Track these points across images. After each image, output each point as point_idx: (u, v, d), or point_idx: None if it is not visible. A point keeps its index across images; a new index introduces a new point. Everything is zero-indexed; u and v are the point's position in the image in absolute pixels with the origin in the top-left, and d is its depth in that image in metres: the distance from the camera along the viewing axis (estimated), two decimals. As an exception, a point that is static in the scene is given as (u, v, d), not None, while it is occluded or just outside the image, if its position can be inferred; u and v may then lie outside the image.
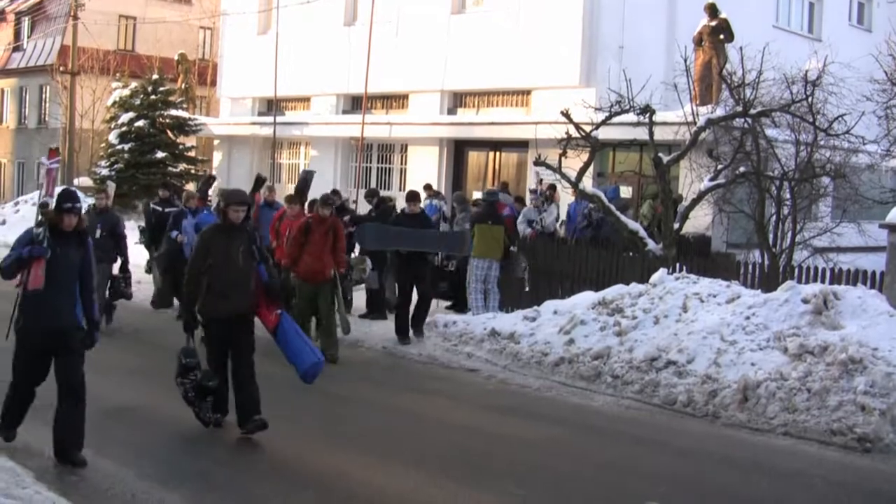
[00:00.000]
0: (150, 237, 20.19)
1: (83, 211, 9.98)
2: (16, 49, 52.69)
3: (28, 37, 52.05)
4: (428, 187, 26.93)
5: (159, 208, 20.06)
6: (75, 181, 39.04)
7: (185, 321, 10.66)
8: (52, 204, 15.04)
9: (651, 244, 18.45)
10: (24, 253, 8.92)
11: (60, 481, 8.40)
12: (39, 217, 9.98)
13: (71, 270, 9.16)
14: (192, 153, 39.40)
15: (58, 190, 11.39)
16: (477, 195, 25.97)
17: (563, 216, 22.59)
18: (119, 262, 16.94)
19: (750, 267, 17.19)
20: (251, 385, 10.30)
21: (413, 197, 17.66)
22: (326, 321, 14.83)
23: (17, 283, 9.18)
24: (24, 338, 9.18)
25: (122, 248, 16.84)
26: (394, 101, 33.93)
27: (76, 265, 9.20)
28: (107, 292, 16.54)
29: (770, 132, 20.23)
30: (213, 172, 40.49)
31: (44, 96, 50.42)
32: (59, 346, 9.12)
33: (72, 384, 9.14)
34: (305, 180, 19.68)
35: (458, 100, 32.25)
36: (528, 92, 29.56)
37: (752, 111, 18.85)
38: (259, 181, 19.98)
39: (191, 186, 36.27)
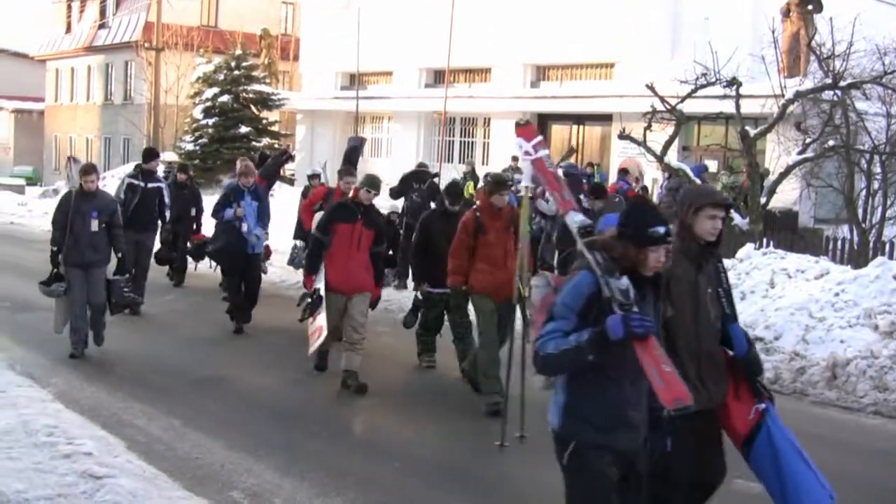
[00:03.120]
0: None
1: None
2: (101, 26, 53.37)
3: (113, 14, 52.68)
4: (515, 159, 26.91)
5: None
6: (160, 156, 39.46)
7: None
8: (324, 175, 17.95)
9: (737, 219, 18.22)
10: None
11: (150, 450, 8.50)
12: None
13: None
14: (275, 128, 39.65)
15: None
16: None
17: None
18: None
19: (839, 242, 16.92)
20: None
21: (596, 191, 14.96)
22: (489, 349, 10.40)
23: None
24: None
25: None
26: (476, 74, 33.90)
27: None
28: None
29: (860, 105, 19.83)
30: (294, 150, 40.74)
31: (129, 73, 51.07)
32: None
33: None
34: (355, 149, 16.26)
35: (541, 72, 32.12)
36: (611, 65, 29.35)
37: (842, 83, 18.51)
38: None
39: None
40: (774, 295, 13.88)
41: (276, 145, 37.99)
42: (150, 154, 16.05)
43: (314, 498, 7.61)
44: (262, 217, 14.11)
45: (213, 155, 36.42)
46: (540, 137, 8.45)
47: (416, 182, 18.62)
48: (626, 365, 5.05)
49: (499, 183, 10.67)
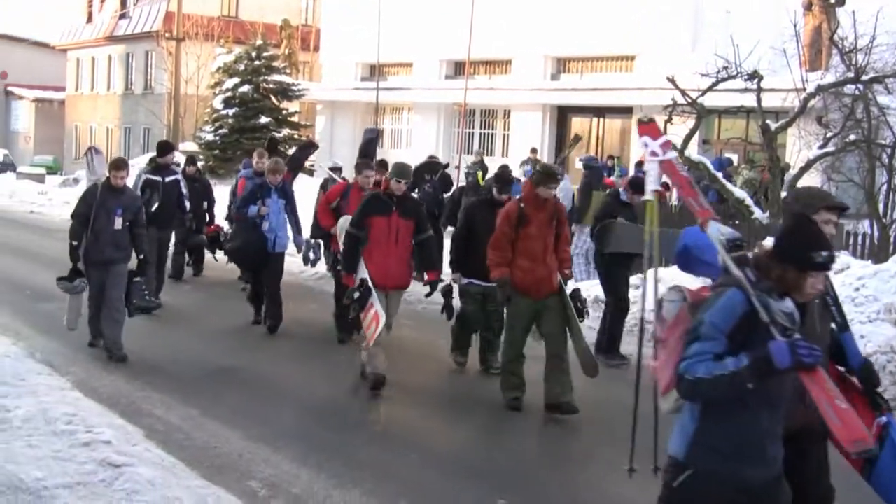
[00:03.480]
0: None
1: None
2: (122, 16, 53.56)
3: (134, 4, 52.82)
4: (533, 151, 26.93)
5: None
6: (180, 146, 39.60)
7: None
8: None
9: (757, 212, 18.15)
10: None
11: (168, 439, 8.54)
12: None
13: None
14: (295, 118, 39.69)
15: None
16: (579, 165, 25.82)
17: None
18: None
19: (859, 237, 16.82)
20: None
21: (636, 185, 12.58)
22: (556, 351, 9.87)
23: None
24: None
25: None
26: (497, 66, 33.88)
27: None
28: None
29: (882, 99, 19.69)
30: (316, 139, 40.75)
31: (149, 62, 51.20)
32: None
33: None
34: (371, 141, 15.55)
35: (561, 65, 32.08)
36: (632, 57, 29.30)
37: (864, 77, 18.38)
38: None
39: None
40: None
41: (296, 136, 38.06)
42: (166, 147, 15.42)
43: (331, 489, 7.63)
44: (291, 216, 13.46)
45: (233, 145, 36.46)
46: (667, 137, 7.54)
47: (427, 174, 18.52)
48: (768, 394, 4.64)
49: (548, 174, 10.00)
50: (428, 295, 11.30)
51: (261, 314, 13.69)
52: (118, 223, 11.39)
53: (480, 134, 34.84)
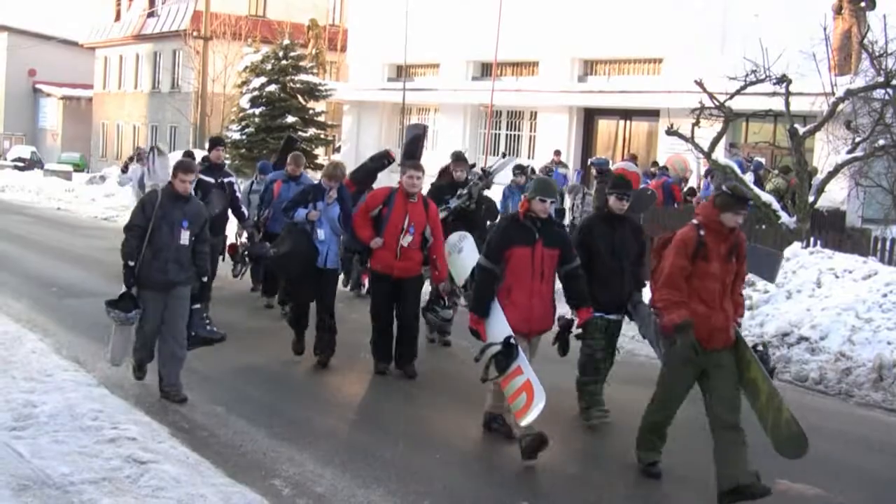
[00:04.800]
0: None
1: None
2: (150, 15, 53.80)
3: (162, 3, 53.06)
4: (557, 153, 26.88)
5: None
6: (206, 145, 39.73)
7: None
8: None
9: (784, 217, 18.08)
10: None
11: (193, 437, 8.55)
12: None
13: None
14: (321, 118, 39.76)
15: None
16: (618, 163, 25.81)
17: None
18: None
19: (887, 243, 16.73)
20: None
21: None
22: (731, 420, 7.71)
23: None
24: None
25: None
26: (523, 67, 33.87)
27: None
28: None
29: (912, 104, 19.62)
30: (339, 141, 40.73)
31: (177, 61, 51.44)
32: None
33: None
34: (418, 138, 13.44)
35: (588, 67, 32.04)
36: (659, 60, 29.24)
37: (894, 82, 18.29)
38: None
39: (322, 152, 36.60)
40: (821, 294, 13.76)
41: (322, 135, 38.11)
42: (216, 142, 14.33)
43: (356, 488, 7.63)
44: (343, 224, 11.44)
45: (260, 144, 36.56)
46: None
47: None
48: None
49: (738, 198, 7.81)
50: (567, 336, 9.04)
51: (303, 341, 11.72)
52: (184, 237, 9.62)
53: (507, 135, 34.82)
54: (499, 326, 8.58)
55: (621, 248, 9.54)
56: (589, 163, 19.92)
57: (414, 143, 13.14)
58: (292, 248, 11.16)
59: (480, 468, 8.45)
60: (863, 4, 22.74)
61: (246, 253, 14.92)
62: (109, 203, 31.32)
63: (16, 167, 50.45)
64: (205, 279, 9.97)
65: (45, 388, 9.32)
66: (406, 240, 10.85)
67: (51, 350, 11.18)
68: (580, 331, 9.23)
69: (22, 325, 12.46)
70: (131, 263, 9.55)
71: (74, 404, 8.80)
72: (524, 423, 8.16)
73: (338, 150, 40.14)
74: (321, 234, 11.20)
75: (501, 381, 8.49)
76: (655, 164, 26.67)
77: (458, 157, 13.02)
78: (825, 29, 19.29)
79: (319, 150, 39.12)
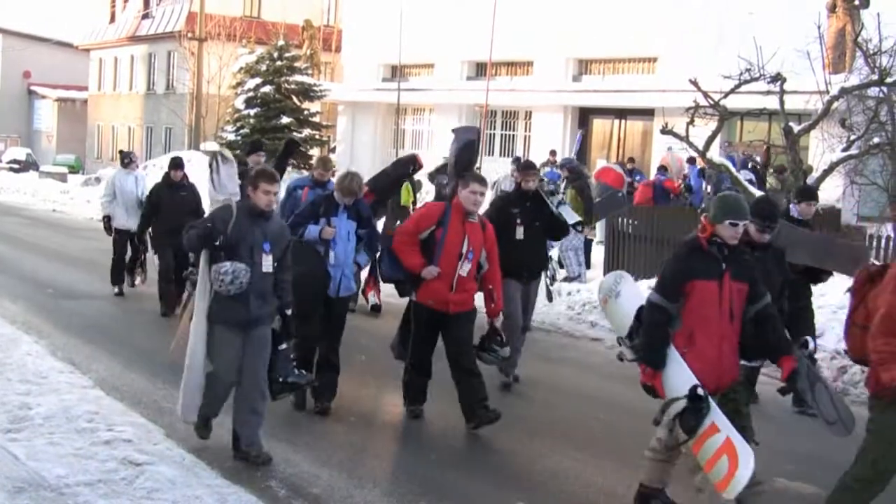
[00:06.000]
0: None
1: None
2: (145, 16, 53.80)
3: (157, 4, 53.04)
4: (552, 153, 26.88)
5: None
6: (202, 146, 39.76)
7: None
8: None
9: (779, 216, 18.07)
10: None
11: (189, 438, 8.54)
12: None
13: None
14: (316, 119, 39.75)
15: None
16: (602, 162, 25.88)
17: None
18: None
19: (882, 241, 16.73)
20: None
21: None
22: None
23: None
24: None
25: None
26: (518, 67, 33.88)
27: None
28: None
29: (906, 101, 19.63)
30: (334, 142, 40.60)
31: (172, 62, 51.36)
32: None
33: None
34: (472, 144, 10.61)
35: (583, 66, 32.05)
36: (654, 59, 29.26)
37: (889, 80, 18.29)
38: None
39: (316, 153, 36.58)
40: (816, 293, 13.74)
41: (317, 136, 38.07)
42: (256, 146, 13.37)
43: (352, 489, 7.62)
44: (370, 246, 9.93)
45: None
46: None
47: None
48: None
49: None
50: (786, 393, 7.43)
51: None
52: (267, 263, 7.91)
53: (502, 135, 34.83)
54: (680, 376, 6.92)
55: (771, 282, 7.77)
56: (559, 164, 19.65)
57: (468, 150, 10.51)
58: (301, 274, 8.86)
59: (477, 468, 8.44)
60: (857, 3, 22.76)
61: None
62: (104, 205, 31.26)
63: (11, 169, 50.58)
64: (288, 312, 8.25)
65: (41, 390, 9.34)
66: (465, 268, 9.21)
67: (46, 352, 11.18)
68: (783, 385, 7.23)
69: (17, 327, 12.48)
70: (233, 288, 7.72)
71: (70, 406, 8.82)
72: (731, 495, 6.59)
73: (333, 150, 40.09)
74: (333, 257, 9.48)
75: (693, 445, 6.84)
76: (631, 160, 26.73)
77: (528, 166, 11.56)
78: (819, 27, 19.28)
79: (314, 151, 39.11)
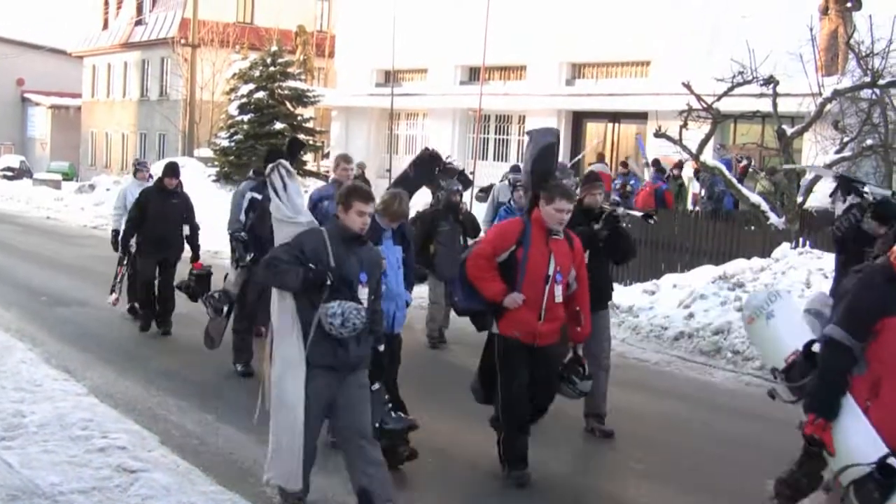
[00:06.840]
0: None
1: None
2: (138, 23, 53.75)
3: (150, 11, 53.05)
4: (624, 164, 26.94)
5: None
6: (195, 152, 39.72)
7: None
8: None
9: (773, 218, 18.11)
10: None
11: (184, 445, 8.54)
12: None
13: None
14: (310, 124, 39.73)
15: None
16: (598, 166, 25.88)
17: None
18: None
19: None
20: None
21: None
22: None
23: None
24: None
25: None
26: (512, 71, 33.88)
27: None
28: None
29: (899, 104, 19.66)
30: (328, 147, 40.55)
31: (165, 69, 51.38)
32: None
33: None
34: (551, 148, 8.77)
35: (576, 70, 32.06)
36: (647, 63, 29.27)
37: (881, 82, 18.34)
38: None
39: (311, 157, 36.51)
40: (810, 295, 13.77)
41: (311, 141, 38.04)
42: (273, 156, 10.81)
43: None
44: (408, 274, 8.78)
45: (248, 151, 36.47)
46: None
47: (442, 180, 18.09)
48: None
49: None
50: None
51: None
52: (363, 297, 6.83)
53: (495, 140, 34.83)
54: (860, 435, 5.61)
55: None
56: (508, 179, 17.59)
57: (548, 156, 8.70)
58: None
59: (474, 475, 8.43)
60: (849, 5, 22.77)
61: None
62: (99, 212, 31.30)
63: (5, 177, 50.54)
64: (381, 348, 7.41)
65: (35, 398, 9.32)
66: (557, 292, 8.06)
67: (40, 360, 11.17)
68: None
69: (11, 335, 12.46)
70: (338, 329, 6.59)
71: (64, 414, 8.80)
72: None
73: (326, 156, 40.01)
74: (385, 289, 7.84)
75: None
76: (624, 164, 26.76)
77: (593, 178, 10.03)
78: (812, 30, 19.34)
79: (308, 157, 39.09)
